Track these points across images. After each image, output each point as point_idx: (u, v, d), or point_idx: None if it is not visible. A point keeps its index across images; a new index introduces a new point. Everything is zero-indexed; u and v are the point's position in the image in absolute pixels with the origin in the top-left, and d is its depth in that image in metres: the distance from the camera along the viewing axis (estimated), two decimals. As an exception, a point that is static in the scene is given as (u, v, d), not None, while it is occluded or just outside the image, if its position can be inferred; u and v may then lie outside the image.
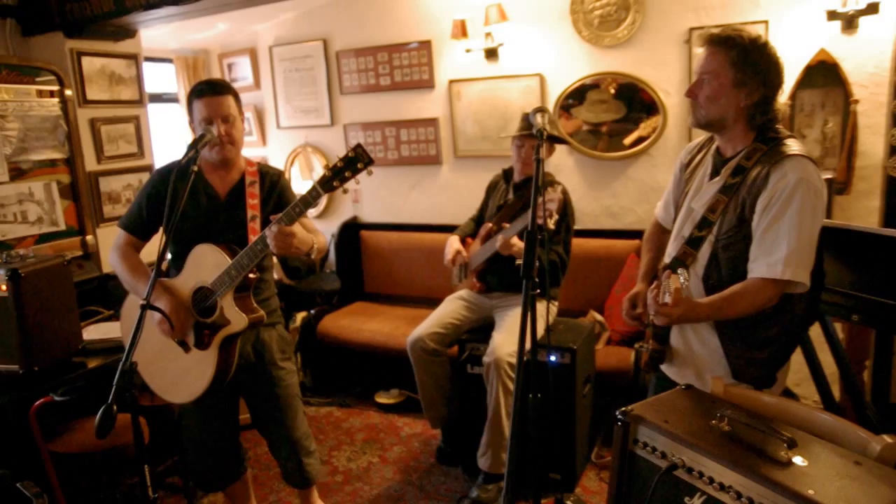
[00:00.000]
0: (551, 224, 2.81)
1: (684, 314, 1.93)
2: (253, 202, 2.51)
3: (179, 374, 2.48)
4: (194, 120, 2.45)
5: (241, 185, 2.53)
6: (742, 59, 1.88)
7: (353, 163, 2.09)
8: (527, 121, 3.28)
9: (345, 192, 2.16)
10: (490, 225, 3.44)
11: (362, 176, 2.14)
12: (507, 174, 3.56)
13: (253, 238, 2.35)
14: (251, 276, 2.38)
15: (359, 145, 2.11)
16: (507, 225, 3.22)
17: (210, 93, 2.41)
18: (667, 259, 2.10)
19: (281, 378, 2.61)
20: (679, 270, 1.96)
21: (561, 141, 3.41)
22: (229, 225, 2.48)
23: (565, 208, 3.24)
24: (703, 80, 1.95)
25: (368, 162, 2.09)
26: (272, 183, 2.58)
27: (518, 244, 3.12)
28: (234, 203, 2.52)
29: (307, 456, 2.67)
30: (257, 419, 2.68)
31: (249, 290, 2.44)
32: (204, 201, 2.51)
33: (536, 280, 1.74)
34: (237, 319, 2.35)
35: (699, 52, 2.00)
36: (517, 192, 3.44)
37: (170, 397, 2.54)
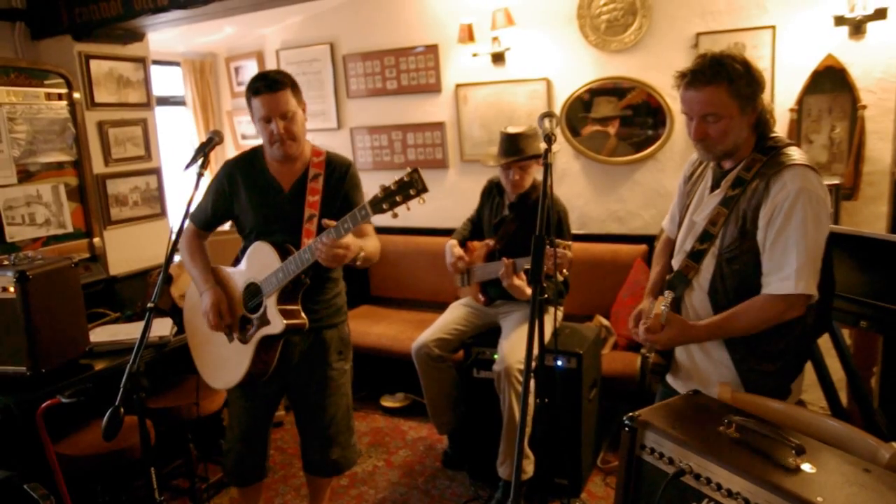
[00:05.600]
0: (560, 277, 2.77)
1: (675, 338, 1.94)
2: (313, 199, 2.46)
3: (220, 361, 2.58)
4: (254, 117, 2.44)
5: (304, 178, 2.50)
6: (739, 84, 1.83)
7: (406, 188, 2.02)
8: (509, 143, 3.22)
9: (394, 216, 2.06)
10: (491, 243, 3.39)
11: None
12: (499, 187, 3.44)
13: (306, 241, 2.35)
14: (302, 280, 2.39)
15: (415, 170, 2.02)
16: (508, 261, 3.12)
17: (266, 90, 2.36)
18: (670, 273, 2.09)
19: (332, 378, 2.63)
20: (665, 293, 1.96)
21: (537, 157, 3.21)
22: (291, 219, 2.47)
23: (560, 226, 3.22)
24: (708, 120, 1.87)
25: (422, 190, 2.01)
26: (339, 177, 2.53)
27: (521, 287, 3.12)
28: (296, 197, 2.49)
29: (342, 447, 2.69)
30: (298, 412, 2.71)
31: (297, 294, 2.44)
32: (267, 194, 2.52)
33: (544, 285, 1.74)
34: (275, 322, 2.38)
35: (687, 93, 1.88)
36: (513, 209, 3.37)
37: (210, 381, 2.66)
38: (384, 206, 2.06)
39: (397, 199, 2.03)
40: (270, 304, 2.39)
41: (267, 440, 2.77)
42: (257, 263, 2.46)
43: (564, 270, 2.75)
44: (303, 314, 2.44)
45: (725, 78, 1.82)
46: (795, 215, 1.79)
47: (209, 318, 2.48)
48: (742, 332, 1.89)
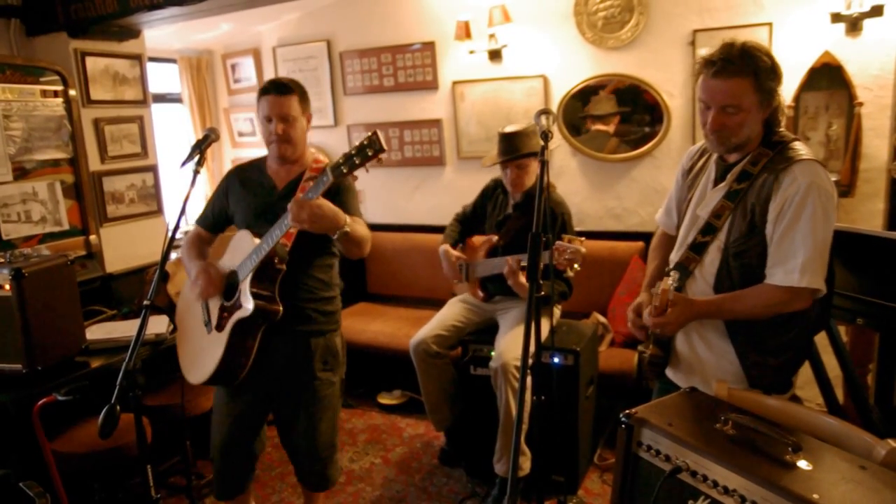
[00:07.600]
0: (571, 273, 2.74)
1: (682, 315, 1.92)
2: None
3: (198, 353, 2.56)
4: (259, 115, 2.55)
5: (299, 180, 2.52)
6: (764, 78, 1.82)
7: (364, 150, 2.10)
8: (505, 143, 3.24)
9: (354, 178, 2.20)
10: (494, 239, 3.39)
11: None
12: (504, 186, 3.43)
13: (284, 238, 2.37)
14: (276, 266, 2.39)
15: (375, 133, 2.11)
16: (513, 260, 3.12)
17: (274, 92, 2.47)
18: (670, 266, 2.09)
19: (315, 388, 2.56)
20: (671, 273, 1.95)
21: (533, 154, 3.20)
22: (278, 215, 2.44)
23: (564, 228, 3.22)
24: (727, 112, 1.84)
25: (379, 150, 2.09)
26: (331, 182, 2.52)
27: (525, 284, 3.09)
28: (288, 195, 2.48)
29: (324, 465, 2.65)
30: (281, 422, 2.65)
31: (273, 279, 2.42)
32: (262, 193, 2.56)
33: (540, 282, 1.74)
34: (246, 304, 2.37)
35: (712, 81, 1.84)
36: (518, 209, 3.36)
37: (187, 374, 2.63)
38: (344, 170, 2.14)
39: (356, 161, 2.12)
40: (244, 288, 2.39)
41: (250, 455, 2.67)
42: (237, 251, 2.48)
43: (576, 265, 2.72)
44: (278, 301, 2.41)
45: (753, 70, 1.81)
46: (805, 209, 1.79)
47: (199, 282, 2.48)
48: (741, 314, 1.89)
